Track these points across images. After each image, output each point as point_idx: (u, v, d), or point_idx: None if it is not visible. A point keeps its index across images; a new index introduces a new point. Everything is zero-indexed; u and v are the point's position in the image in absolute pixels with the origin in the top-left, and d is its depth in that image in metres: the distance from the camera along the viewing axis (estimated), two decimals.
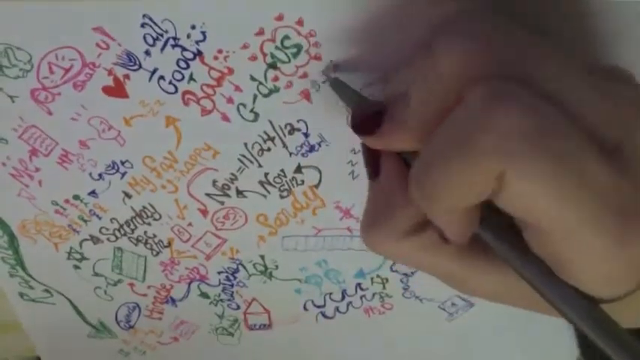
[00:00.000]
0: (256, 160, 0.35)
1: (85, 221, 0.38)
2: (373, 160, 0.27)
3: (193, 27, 0.29)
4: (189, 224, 0.38)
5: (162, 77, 0.31)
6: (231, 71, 0.31)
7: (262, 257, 0.40)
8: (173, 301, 0.43)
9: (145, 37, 0.30)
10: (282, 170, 0.36)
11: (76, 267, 0.40)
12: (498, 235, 0.23)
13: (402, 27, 0.29)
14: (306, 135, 0.34)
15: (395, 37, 0.29)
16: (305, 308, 0.44)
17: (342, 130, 0.34)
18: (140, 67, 0.31)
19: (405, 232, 0.25)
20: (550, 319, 0.46)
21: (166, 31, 0.29)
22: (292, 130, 0.34)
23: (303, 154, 0.35)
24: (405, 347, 0.48)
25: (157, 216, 0.38)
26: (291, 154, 0.35)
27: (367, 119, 0.25)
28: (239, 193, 0.37)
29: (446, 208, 0.22)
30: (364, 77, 0.31)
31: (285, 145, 0.34)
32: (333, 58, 0.31)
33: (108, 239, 0.39)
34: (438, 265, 0.26)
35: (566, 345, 0.48)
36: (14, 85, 0.31)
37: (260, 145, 0.34)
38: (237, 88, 0.32)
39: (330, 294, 0.44)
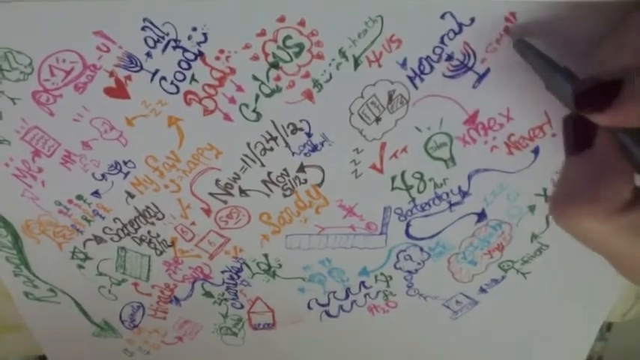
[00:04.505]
0: (259, 160, 0.35)
1: (89, 221, 0.38)
2: (586, 133, 0.25)
3: (194, 29, 0.29)
4: (193, 223, 0.38)
5: (163, 78, 0.31)
6: (233, 71, 0.31)
7: (266, 256, 0.40)
8: (177, 300, 0.43)
9: (145, 40, 0.29)
10: (285, 169, 0.36)
11: (80, 266, 0.40)
12: None
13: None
14: (308, 134, 0.34)
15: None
16: (309, 307, 0.44)
17: (345, 129, 0.34)
18: (141, 68, 0.30)
19: (614, 209, 0.23)
20: (553, 319, 0.46)
21: (167, 34, 0.29)
22: (295, 129, 0.34)
23: (305, 154, 0.35)
24: (409, 346, 0.48)
25: (160, 215, 0.38)
26: (293, 153, 0.35)
27: (593, 93, 0.23)
28: (242, 192, 0.36)
29: None
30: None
31: (287, 145, 0.34)
32: None
33: (111, 239, 0.39)
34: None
35: (570, 343, 0.48)
36: (15, 88, 0.31)
37: (263, 144, 0.34)
38: (240, 88, 0.32)
39: (334, 292, 0.44)
